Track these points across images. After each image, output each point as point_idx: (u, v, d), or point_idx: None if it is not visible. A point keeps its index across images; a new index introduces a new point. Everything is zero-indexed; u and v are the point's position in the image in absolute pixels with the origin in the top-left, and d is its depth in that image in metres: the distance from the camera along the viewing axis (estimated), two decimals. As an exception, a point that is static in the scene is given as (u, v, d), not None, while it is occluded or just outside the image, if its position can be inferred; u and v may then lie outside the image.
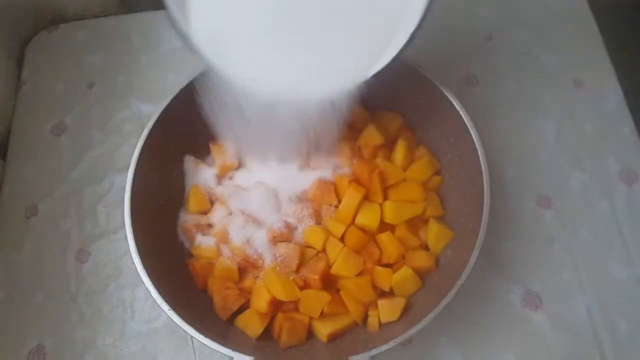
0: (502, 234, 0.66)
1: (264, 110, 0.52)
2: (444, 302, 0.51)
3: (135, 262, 0.54)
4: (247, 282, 0.61)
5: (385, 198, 0.62)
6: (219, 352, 0.50)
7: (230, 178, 0.67)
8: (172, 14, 0.44)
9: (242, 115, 0.53)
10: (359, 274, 0.59)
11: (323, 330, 0.58)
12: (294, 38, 0.48)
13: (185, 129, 0.64)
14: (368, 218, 0.60)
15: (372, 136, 0.64)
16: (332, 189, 0.62)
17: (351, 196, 0.60)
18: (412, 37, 0.46)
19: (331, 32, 0.48)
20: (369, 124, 0.65)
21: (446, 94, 0.60)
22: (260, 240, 0.61)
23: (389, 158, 0.65)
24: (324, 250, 0.61)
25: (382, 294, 0.60)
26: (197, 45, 0.45)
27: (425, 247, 0.62)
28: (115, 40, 0.83)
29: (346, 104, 0.52)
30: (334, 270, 0.59)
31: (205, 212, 0.65)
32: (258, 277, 0.60)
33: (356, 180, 0.62)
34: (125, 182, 0.57)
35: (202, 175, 0.66)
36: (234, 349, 0.50)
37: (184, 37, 0.45)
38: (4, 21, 0.80)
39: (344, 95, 0.51)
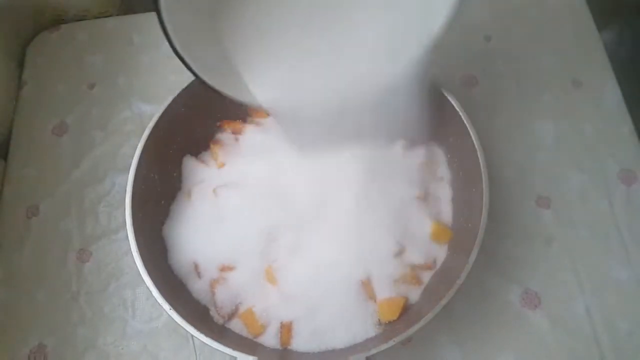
0: (501, 233, 0.67)
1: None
2: (443, 302, 0.51)
3: (136, 262, 0.54)
4: (248, 282, 0.61)
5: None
6: (220, 351, 0.50)
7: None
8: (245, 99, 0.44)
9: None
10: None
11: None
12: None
13: (186, 129, 0.64)
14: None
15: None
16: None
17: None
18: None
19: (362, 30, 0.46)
20: (369, 124, 0.65)
21: (445, 94, 0.60)
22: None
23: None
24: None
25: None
26: (265, 104, 0.45)
27: (425, 247, 0.62)
28: (116, 40, 0.83)
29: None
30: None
31: (205, 212, 0.65)
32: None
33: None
34: (126, 182, 0.58)
35: (203, 175, 0.66)
36: (234, 349, 0.50)
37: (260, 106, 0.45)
38: (5, 21, 0.80)
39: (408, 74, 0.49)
